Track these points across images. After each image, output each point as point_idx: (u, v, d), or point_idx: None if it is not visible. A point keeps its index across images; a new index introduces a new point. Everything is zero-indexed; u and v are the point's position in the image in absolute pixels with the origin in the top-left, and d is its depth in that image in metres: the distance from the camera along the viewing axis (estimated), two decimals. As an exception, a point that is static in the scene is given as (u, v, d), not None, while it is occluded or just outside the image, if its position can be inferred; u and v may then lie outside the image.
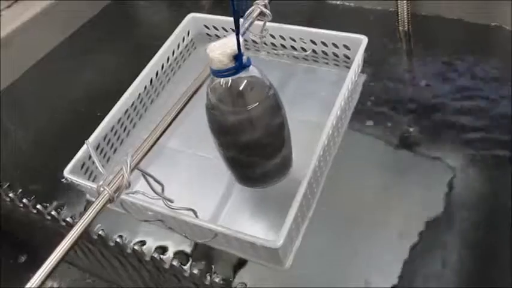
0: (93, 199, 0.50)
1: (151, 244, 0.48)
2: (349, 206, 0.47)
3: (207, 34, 0.63)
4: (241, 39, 0.37)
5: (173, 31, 0.60)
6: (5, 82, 0.65)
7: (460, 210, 0.44)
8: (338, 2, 0.66)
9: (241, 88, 0.39)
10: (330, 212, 0.46)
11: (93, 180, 0.50)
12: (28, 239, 0.52)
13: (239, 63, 0.38)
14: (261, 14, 0.51)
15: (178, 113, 0.42)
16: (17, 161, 0.58)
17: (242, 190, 0.49)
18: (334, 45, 0.55)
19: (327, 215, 0.46)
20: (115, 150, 0.53)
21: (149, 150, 0.39)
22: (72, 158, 0.48)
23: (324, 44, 0.56)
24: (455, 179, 0.46)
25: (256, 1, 0.52)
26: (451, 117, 0.51)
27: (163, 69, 0.58)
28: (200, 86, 0.43)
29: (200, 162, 0.52)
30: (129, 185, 0.36)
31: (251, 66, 0.39)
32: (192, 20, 0.61)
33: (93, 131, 0.49)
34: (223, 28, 0.60)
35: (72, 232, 0.32)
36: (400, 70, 0.58)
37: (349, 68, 0.56)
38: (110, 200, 0.35)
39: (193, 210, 0.43)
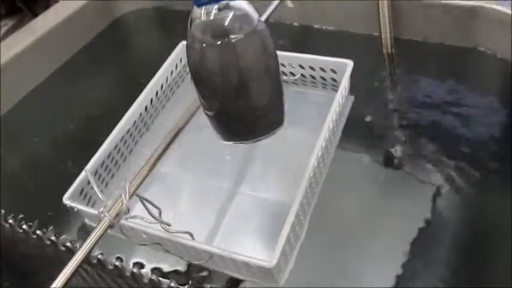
0: (92, 223, 0.52)
1: (148, 265, 0.49)
2: (339, 223, 0.49)
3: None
4: None
5: (166, 58, 0.62)
6: (3, 108, 0.67)
7: (445, 226, 0.46)
8: (324, 27, 0.69)
9: (225, 19, 0.35)
10: (322, 230, 0.48)
11: (92, 206, 0.51)
12: (29, 265, 0.53)
13: None
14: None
15: (172, 140, 0.43)
16: (15, 187, 0.60)
17: (236, 211, 0.51)
18: (322, 69, 0.57)
19: (319, 232, 0.48)
20: (112, 175, 0.55)
21: (146, 177, 0.40)
22: (70, 183, 0.49)
23: (312, 68, 0.58)
24: (439, 197, 0.48)
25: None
26: (435, 135, 0.54)
27: (158, 96, 0.60)
28: (194, 113, 0.45)
29: (194, 185, 0.54)
30: (128, 210, 0.38)
31: None
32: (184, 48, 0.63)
33: (90, 157, 0.51)
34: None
35: (74, 258, 0.34)
36: (385, 91, 0.61)
37: (336, 90, 0.58)
38: (111, 226, 0.37)
39: (189, 233, 0.45)
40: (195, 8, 0.35)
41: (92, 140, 0.55)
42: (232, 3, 0.35)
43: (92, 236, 0.35)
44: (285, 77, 0.60)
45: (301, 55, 0.58)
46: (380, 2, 0.60)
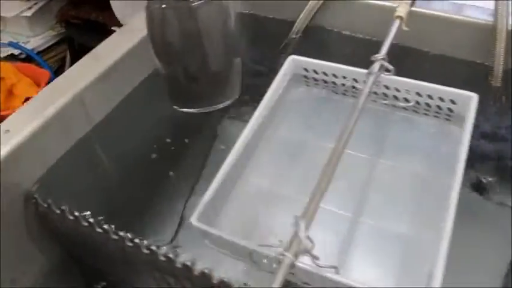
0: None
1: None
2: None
3: (304, 76, 0.63)
4: None
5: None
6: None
7: None
8: (428, 51, 0.68)
9: None
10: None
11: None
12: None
13: None
14: (382, 67, 0.53)
15: (332, 173, 0.42)
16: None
17: (359, 240, 0.50)
18: (441, 99, 0.57)
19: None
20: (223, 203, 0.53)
21: (315, 211, 0.39)
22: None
23: (430, 97, 0.57)
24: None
25: (375, 56, 0.53)
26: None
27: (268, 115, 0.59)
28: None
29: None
30: (307, 251, 0.37)
31: None
32: (292, 63, 0.62)
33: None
34: (323, 73, 0.61)
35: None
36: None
37: (449, 120, 0.58)
38: (291, 267, 0.36)
39: (335, 268, 0.44)
40: None
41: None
42: None
43: (278, 278, 0.34)
44: (398, 103, 0.59)
45: (422, 83, 0.57)
46: (498, 32, 0.60)
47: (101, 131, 0.58)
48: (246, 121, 0.54)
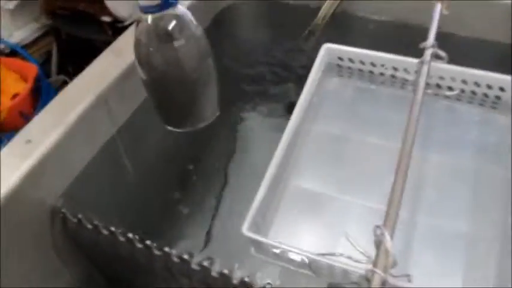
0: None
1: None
2: None
3: (338, 66, 0.59)
4: None
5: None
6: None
7: None
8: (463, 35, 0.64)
9: (167, 25, 0.40)
10: None
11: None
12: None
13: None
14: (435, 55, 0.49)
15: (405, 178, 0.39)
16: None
17: (418, 241, 0.47)
18: (488, 86, 0.54)
19: None
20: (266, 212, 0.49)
21: (396, 220, 0.36)
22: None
23: (477, 84, 0.54)
24: None
25: (425, 43, 0.50)
26: None
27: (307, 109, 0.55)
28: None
29: (362, 210, 0.50)
30: (396, 263, 0.33)
31: (178, 5, 0.40)
32: (327, 52, 0.58)
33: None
34: (360, 62, 0.57)
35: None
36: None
37: (495, 108, 0.55)
38: (384, 283, 0.32)
39: (408, 276, 0.41)
40: (141, 12, 0.40)
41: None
42: (174, 11, 0.40)
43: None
44: (441, 92, 0.56)
45: (469, 70, 0.53)
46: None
47: (126, 133, 0.53)
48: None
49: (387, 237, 0.33)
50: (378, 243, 0.33)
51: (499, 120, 0.55)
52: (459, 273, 0.45)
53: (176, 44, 0.41)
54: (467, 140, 0.54)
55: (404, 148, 0.40)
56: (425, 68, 0.47)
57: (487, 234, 0.47)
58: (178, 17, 0.41)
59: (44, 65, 1.28)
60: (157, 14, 0.40)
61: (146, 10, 0.39)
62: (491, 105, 0.56)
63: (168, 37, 0.41)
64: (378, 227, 0.34)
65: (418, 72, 0.47)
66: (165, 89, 0.44)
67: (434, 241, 0.47)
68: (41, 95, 1.07)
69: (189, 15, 0.41)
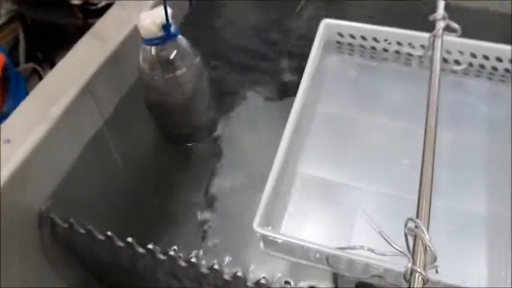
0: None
1: None
2: None
3: (338, 42, 0.55)
4: (169, 10, 0.40)
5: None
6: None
7: None
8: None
9: (169, 55, 0.43)
10: None
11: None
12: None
13: (167, 32, 0.42)
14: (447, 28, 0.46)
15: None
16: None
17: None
18: (498, 59, 0.51)
19: None
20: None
21: (429, 211, 0.33)
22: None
23: (486, 57, 0.51)
24: None
25: (435, 15, 0.46)
26: None
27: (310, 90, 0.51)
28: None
29: (382, 197, 0.47)
30: (436, 259, 0.30)
31: (179, 36, 0.44)
32: (326, 28, 0.54)
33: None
34: (362, 37, 0.54)
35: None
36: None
37: (503, 81, 0.53)
38: (424, 282, 0.29)
39: (436, 267, 0.38)
40: (145, 44, 0.43)
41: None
42: (175, 42, 0.43)
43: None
44: (447, 67, 0.53)
45: (478, 42, 0.50)
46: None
47: (114, 125, 0.48)
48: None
49: (425, 231, 0.30)
50: (413, 238, 0.30)
51: (509, 94, 0.53)
52: (483, 258, 0.43)
53: (178, 73, 0.44)
54: (478, 116, 0.52)
55: (428, 132, 0.36)
56: (438, 42, 0.43)
57: (507, 214, 0.45)
58: (179, 47, 0.44)
59: (12, 52, 1.20)
60: (161, 45, 0.42)
61: (149, 43, 0.42)
62: (500, 79, 0.53)
63: (171, 66, 0.44)
64: (410, 219, 0.31)
65: (431, 47, 0.44)
66: (166, 110, 0.47)
67: (454, 225, 0.45)
68: (9, 85, 1.00)
69: (188, 46, 0.45)
